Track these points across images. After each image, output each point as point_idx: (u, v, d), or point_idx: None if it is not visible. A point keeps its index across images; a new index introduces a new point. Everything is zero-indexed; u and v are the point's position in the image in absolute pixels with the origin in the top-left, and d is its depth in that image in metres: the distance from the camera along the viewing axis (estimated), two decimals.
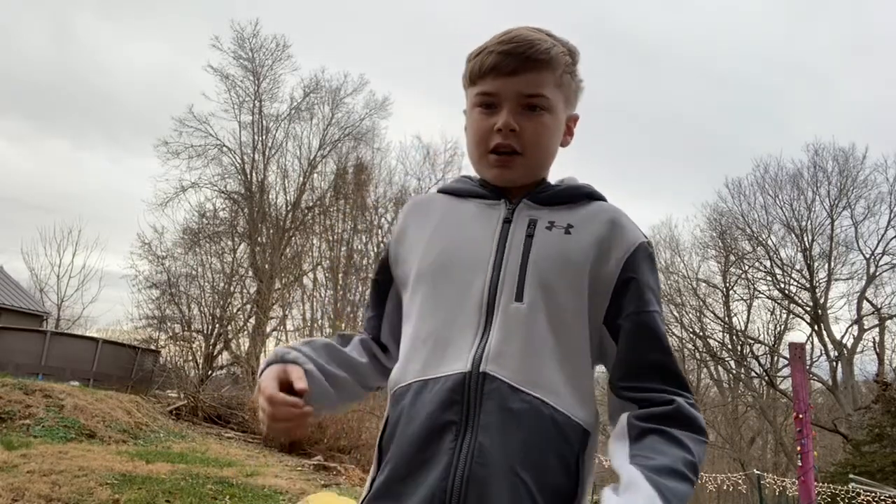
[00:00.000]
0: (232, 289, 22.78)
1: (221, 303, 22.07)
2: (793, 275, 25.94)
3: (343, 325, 19.08)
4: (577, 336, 1.07)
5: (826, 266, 25.25)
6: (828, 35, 36.85)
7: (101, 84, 37.59)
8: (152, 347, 20.60)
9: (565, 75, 1.16)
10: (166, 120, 32.32)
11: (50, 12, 37.33)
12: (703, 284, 28.83)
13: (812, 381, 23.09)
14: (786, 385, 23.44)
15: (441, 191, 1.27)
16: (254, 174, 23.88)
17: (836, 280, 25.38)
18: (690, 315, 28.83)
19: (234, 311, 22.73)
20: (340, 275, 22.25)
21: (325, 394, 1.13)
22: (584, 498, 1.02)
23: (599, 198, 1.18)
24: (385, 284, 1.25)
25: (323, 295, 21.82)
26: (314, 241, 24.09)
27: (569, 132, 1.23)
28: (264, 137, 24.11)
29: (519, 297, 1.05)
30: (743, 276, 27.38)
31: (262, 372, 1.10)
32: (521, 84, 1.12)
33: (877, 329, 24.58)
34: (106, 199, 45.08)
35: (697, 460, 0.98)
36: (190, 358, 20.11)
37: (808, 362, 22.20)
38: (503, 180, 1.17)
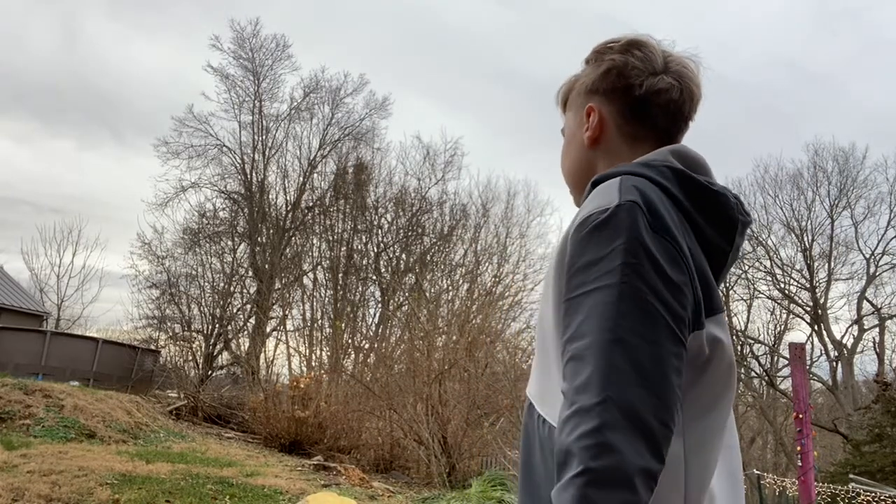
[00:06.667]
0: (232, 289, 22.79)
1: (221, 303, 22.08)
2: (793, 275, 25.91)
3: (343, 324, 19.08)
4: (552, 345, 0.99)
5: (826, 266, 25.21)
6: (829, 36, 36.86)
7: (105, 84, 37.52)
8: (152, 347, 20.58)
9: (570, 94, 1.19)
10: (169, 120, 32.37)
11: (55, 13, 37.30)
12: None
13: (812, 381, 23.09)
14: (786, 385, 23.43)
15: None
16: (254, 174, 23.88)
17: (836, 280, 25.35)
18: None
19: (234, 311, 22.75)
20: (340, 275, 22.27)
21: None
22: None
23: (599, 182, 1.01)
24: None
25: (323, 295, 21.82)
26: (314, 241, 24.10)
27: (587, 125, 1.13)
28: (264, 137, 24.13)
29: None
30: (743, 275, 27.30)
31: None
32: None
33: (877, 329, 24.56)
34: (108, 199, 45.06)
35: None
36: (190, 358, 20.10)
37: (808, 362, 22.20)
38: None
